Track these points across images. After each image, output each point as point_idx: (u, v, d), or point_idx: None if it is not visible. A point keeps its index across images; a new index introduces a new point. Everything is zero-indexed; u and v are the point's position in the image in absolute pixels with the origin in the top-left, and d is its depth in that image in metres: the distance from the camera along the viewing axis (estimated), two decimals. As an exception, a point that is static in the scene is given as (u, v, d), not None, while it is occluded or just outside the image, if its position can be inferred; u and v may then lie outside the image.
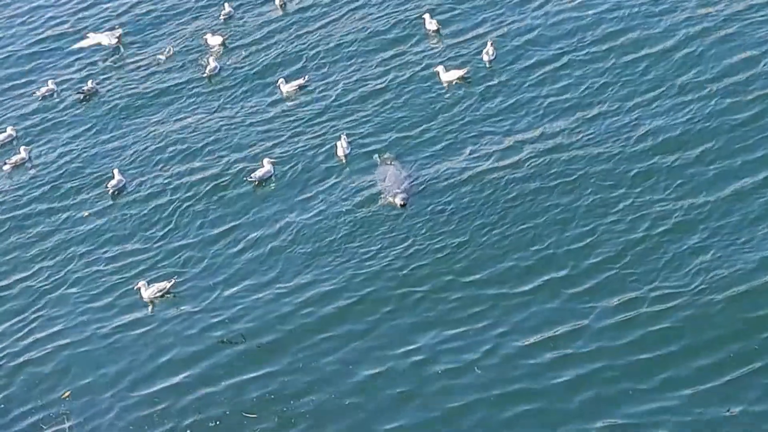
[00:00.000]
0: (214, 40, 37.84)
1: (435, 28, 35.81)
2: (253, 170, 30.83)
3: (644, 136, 29.22)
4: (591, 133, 29.71)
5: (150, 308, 27.28)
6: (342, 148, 30.98)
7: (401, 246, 27.44)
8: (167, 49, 37.43)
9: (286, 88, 34.27)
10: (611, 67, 32.11)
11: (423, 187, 29.26)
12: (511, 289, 25.64)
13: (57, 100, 36.61)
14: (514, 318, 24.87)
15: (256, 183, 30.73)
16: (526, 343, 24.26)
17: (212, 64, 36.14)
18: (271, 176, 30.89)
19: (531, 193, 28.25)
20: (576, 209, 27.38)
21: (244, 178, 30.90)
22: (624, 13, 34.34)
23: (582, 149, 29.26)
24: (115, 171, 32.00)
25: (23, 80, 38.35)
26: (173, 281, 27.71)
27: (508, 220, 27.54)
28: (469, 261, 26.58)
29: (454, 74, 33.19)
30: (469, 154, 30.02)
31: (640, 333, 23.95)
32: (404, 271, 26.64)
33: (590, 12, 34.70)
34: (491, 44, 33.78)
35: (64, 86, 37.21)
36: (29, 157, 34.08)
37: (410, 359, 24.48)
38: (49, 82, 37.35)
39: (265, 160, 31.08)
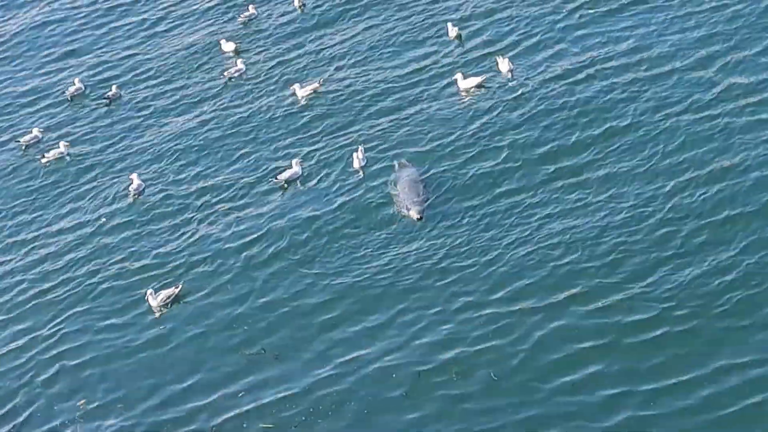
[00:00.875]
0: (228, 47, 37.30)
1: (455, 34, 35.27)
2: (279, 173, 30.49)
3: (673, 151, 28.42)
4: (617, 148, 28.89)
5: (166, 319, 26.77)
6: (358, 159, 30.27)
7: (424, 262, 26.64)
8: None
9: (302, 92, 33.68)
10: (636, 81, 31.23)
11: (443, 198, 28.53)
12: (536, 305, 24.87)
13: (85, 99, 36.34)
14: (539, 336, 24.16)
15: (283, 185, 30.16)
16: (553, 361, 23.62)
17: (239, 65, 35.71)
18: (298, 178, 30.37)
19: (554, 208, 27.47)
20: (603, 226, 26.55)
21: (270, 179, 30.47)
22: (651, 27, 33.41)
23: (608, 164, 28.44)
24: (134, 176, 31.48)
25: (52, 80, 38.31)
26: (180, 287, 27.21)
27: (532, 237, 26.72)
28: (493, 277, 25.78)
29: (472, 81, 32.56)
30: (491, 168, 29.25)
31: (667, 352, 23.19)
32: (429, 291, 25.86)
33: (616, 25, 33.87)
34: (504, 57, 32.97)
35: (92, 85, 37.25)
36: (67, 153, 33.70)
37: (434, 378, 23.80)
38: (76, 80, 37.03)
39: (294, 161, 30.53)
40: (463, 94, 32.38)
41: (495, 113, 31.32)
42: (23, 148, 34.66)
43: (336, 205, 29.19)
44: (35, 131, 35.04)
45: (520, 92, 31.96)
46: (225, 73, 35.81)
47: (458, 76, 32.78)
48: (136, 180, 31.44)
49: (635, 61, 32.12)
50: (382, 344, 24.84)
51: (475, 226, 27.48)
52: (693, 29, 32.88)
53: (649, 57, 32.20)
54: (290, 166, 30.55)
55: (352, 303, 26.05)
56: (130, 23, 40.61)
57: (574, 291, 25.01)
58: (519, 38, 34.52)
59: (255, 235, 28.74)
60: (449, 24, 35.59)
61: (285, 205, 29.66)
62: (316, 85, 33.87)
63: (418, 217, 28.03)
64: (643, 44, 32.77)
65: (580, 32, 34.14)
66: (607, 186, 27.75)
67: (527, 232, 26.87)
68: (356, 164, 30.32)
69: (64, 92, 37.05)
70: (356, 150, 30.49)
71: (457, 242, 27.08)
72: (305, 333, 25.46)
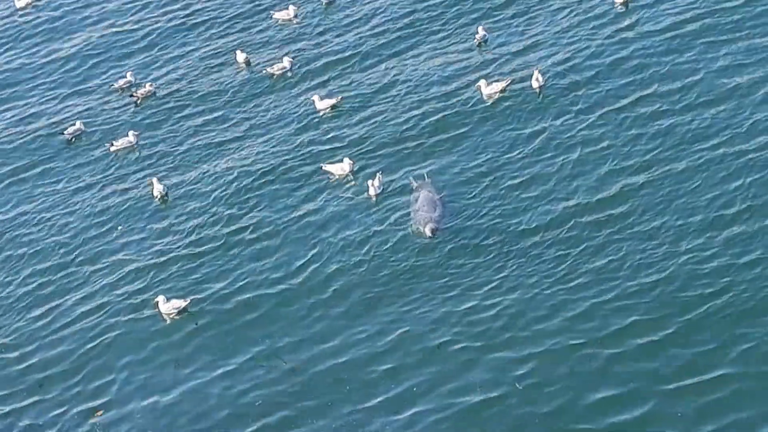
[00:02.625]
0: (240, 57, 36.38)
1: (482, 35, 34.62)
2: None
3: (716, 184, 26.93)
4: (654, 181, 27.43)
5: (181, 330, 26.36)
6: (374, 187, 29.19)
7: (441, 290, 25.76)
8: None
9: (320, 105, 32.96)
10: (677, 109, 29.70)
11: (459, 221, 27.64)
12: (553, 347, 23.65)
13: (133, 91, 35.69)
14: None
15: (336, 179, 29.89)
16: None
17: (285, 62, 35.05)
18: (345, 175, 29.95)
19: (583, 243, 26.17)
20: (625, 262, 25.20)
21: (320, 166, 30.11)
22: (694, 50, 31.78)
23: (645, 197, 27.00)
24: (154, 180, 31.02)
25: (103, 71, 38.01)
26: (189, 301, 26.69)
27: (557, 274, 25.47)
28: (511, 311, 24.74)
29: (496, 87, 31.73)
30: (517, 194, 28.22)
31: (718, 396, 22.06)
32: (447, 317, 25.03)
33: (653, 47, 32.31)
34: (538, 71, 31.88)
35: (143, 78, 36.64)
36: (137, 142, 33.41)
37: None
38: (128, 74, 36.56)
39: (346, 159, 30.12)
40: (487, 99, 31.65)
41: (523, 133, 30.36)
42: (70, 140, 34.45)
43: (353, 227, 28.44)
44: (78, 123, 34.69)
45: (549, 113, 30.85)
46: (268, 70, 35.22)
47: (482, 83, 31.94)
48: (156, 184, 31.01)
49: (676, 90, 30.52)
50: (394, 359, 24.32)
51: (491, 253, 26.51)
52: (735, 55, 31.24)
53: (692, 86, 30.56)
54: (341, 161, 30.24)
55: (371, 324, 25.38)
56: (172, 24, 39.98)
57: (610, 330, 23.77)
58: (553, 55, 33.38)
59: (270, 248, 28.23)
60: (480, 27, 34.87)
61: (301, 220, 29.06)
62: (335, 101, 33.06)
63: (431, 233, 27.18)
64: (686, 73, 31.09)
65: (619, 57, 32.55)
66: (645, 218, 26.37)
67: (551, 268, 25.66)
68: (371, 191, 29.27)
69: (112, 84, 36.70)
70: (373, 177, 29.52)
71: (473, 273, 26.10)
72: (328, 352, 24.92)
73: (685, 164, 27.78)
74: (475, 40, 34.67)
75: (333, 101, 33.22)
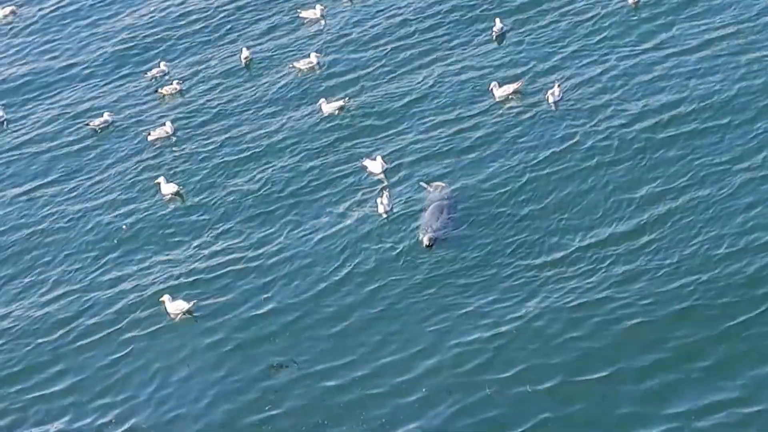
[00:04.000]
0: (243, 55, 36.16)
1: (499, 27, 34.18)
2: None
3: (748, 210, 26.12)
4: (672, 201, 26.80)
5: (186, 331, 26.18)
6: (383, 205, 28.54)
7: (438, 297, 25.48)
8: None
9: (327, 108, 32.55)
10: (705, 127, 28.94)
11: (472, 233, 27.24)
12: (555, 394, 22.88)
13: (158, 88, 35.57)
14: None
15: (366, 168, 29.82)
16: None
17: (312, 58, 34.89)
18: (381, 172, 29.72)
19: (595, 263, 25.60)
20: (661, 290, 24.42)
21: (359, 160, 29.93)
22: (720, 73, 30.74)
23: (660, 218, 26.36)
24: (161, 179, 30.96)
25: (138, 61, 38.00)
26: (193, 303, 26.50)
27: (569, 284, 25.14)
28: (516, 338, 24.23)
29: (508, 89, 31.28)
30: (530, 208, 27.77)
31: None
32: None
33: (679, 71, 31.29)
34: (558, 86, 31.13)
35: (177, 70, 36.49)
36: (173, 132, 33.25)
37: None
38: (162, 63, 36.45)
39: (378, 157, 29.97)
40: (498, 100, 31.19)
41: (537, 144, 29.85)
42: (97, 131, 34.40)
43: (361, 238, 28.08)
44: (106, 115, 34.58)
45: (563, 129, 30.26)
46: (294, 65, 35.04)
47: (494, 85, 31.48)
48: (164, 184, 30.89)
49: (698, 110, 29.64)
50: (394, 362, 24.29)
51: (514, 270, 26.05)
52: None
53: (721, 103, 29.62)
54: (374, 158, 29.99)
55: (393, 343, 25.07)
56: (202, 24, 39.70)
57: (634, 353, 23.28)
58: (572, 64, 32.79)
59: (276, 250, 28.10)
60: (497, 19, 34.54)
61: (308, 226, 28.92)
62: (342, 103, 32.67)
63: (428, 244, 26.69)
64: (710, 92, 30.15)
65: (640, 69, 31.79)
66: (669, 240, 25.72)
67: (570, 283, 25.24)
68: (381, 209, 28.63)
69: (145, 73, 36.59)
70: (381, 195, 28.88)
71: (493, 286, 25.70)
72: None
73: (715, 186, 27.11)
74: (493, 33, 34.43)
75: (340, 103, 32.77)
